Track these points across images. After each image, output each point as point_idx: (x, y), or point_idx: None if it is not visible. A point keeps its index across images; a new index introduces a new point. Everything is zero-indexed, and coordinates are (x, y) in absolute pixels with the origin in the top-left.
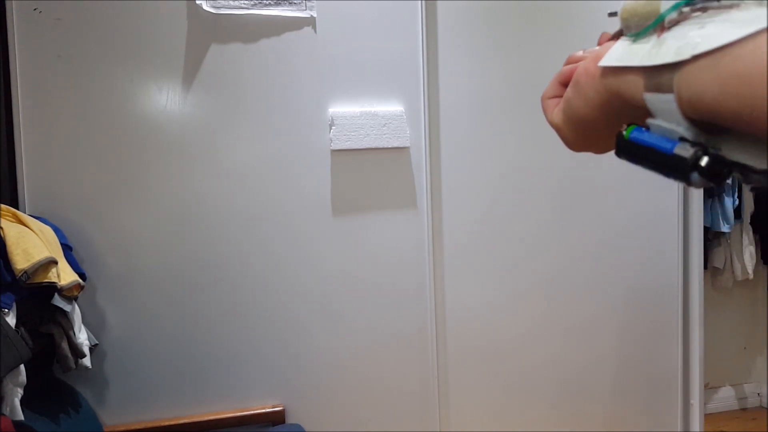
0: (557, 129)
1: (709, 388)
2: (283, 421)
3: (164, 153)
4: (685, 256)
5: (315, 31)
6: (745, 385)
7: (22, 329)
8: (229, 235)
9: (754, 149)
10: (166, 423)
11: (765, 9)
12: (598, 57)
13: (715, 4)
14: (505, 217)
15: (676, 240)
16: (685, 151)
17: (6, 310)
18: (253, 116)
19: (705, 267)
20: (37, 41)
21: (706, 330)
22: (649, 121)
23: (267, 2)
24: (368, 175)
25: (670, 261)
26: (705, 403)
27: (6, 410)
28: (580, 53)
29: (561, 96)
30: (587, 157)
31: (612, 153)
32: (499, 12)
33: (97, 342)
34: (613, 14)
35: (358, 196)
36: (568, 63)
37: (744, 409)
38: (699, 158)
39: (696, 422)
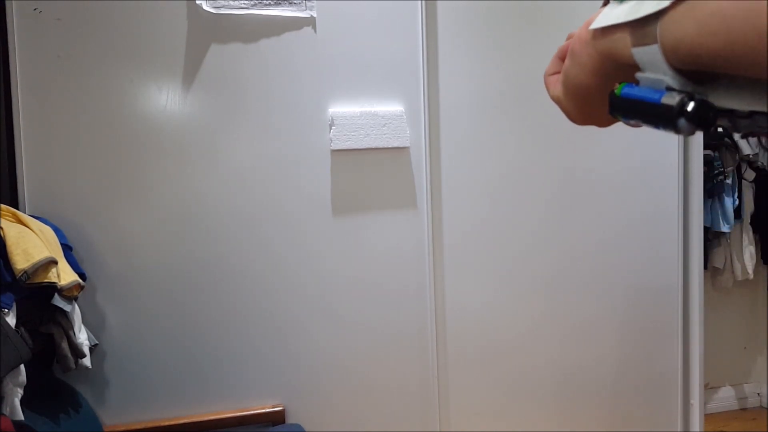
0: (558, 102)
1: (709, 388)
2: (283, 421)
3: (164, 153)
4: (685, 256)
5: (315, 31)
6: (745, 385)
7: (22, 329)
8: (229, 235)
9: (739, 93)
10: (166, 423)
11: None
12: (589, 24)
13: None
14: (505, 217)
15: (676, 240)
16: (672, 99)
17: (6, 310)
18: (253, 116)
19: (705, 267)
20: (37, 41)
21: (706, 330)
22: (638, 74)
23: (267, 2)
24: (368, 175)
25: (670, 261)
26: (705, 403)
27: (6, 410)
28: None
29: (559, 71)
30: (587, 156)
31: (612, 151)
32: (499, 12)
33: (97, 342)
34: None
35: (358, 196)
36: (568, 39)
37: (744, 409)
38: (685, 104)
39: (696, 422)
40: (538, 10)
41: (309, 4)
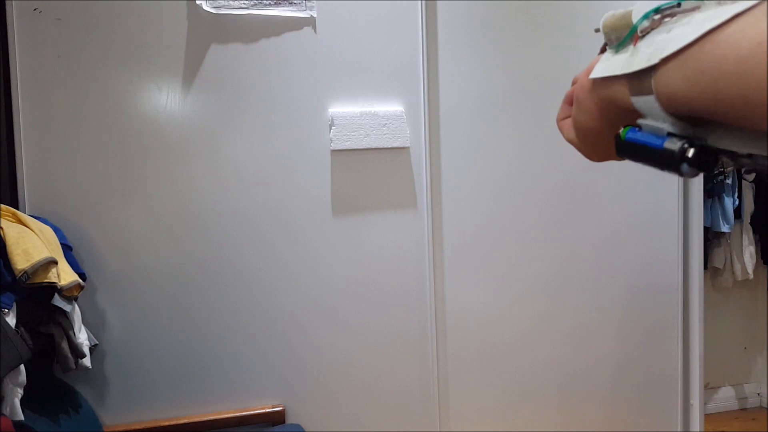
0: (574, 144)
1: (709, 388)
2: (283, 421)
3: (164, 153)
4: (685, 256)
5: (315, 31)
6: (745, 385)
7: (22, 329)
8: (229, 235)
9: (737, 136)
10: (166, 423)
11: (722, 7)
12: (589, 71)
13: (680, 9)
14: (504, 217)
15: (676, 240)
16: (673, 144)
17: (6, 310)
18: (253, 116)
19: (705, 267)
20: (37, 41)
21: (706, 330)
22: (640, 121)
23: (267, 2)
24: (368, 175)
25: (670, 261)
26: (705, 403)
27: (6, 410)
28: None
29: (569, 116)
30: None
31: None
32: (499, 12)
33: (97, 342)
34: (598, 30)
35: (358, 196)
36: (573, 84)
37: (744, 409)
38: (686, 150)
39: (696, 422)
40: (537, 11)
41: (309, 4)
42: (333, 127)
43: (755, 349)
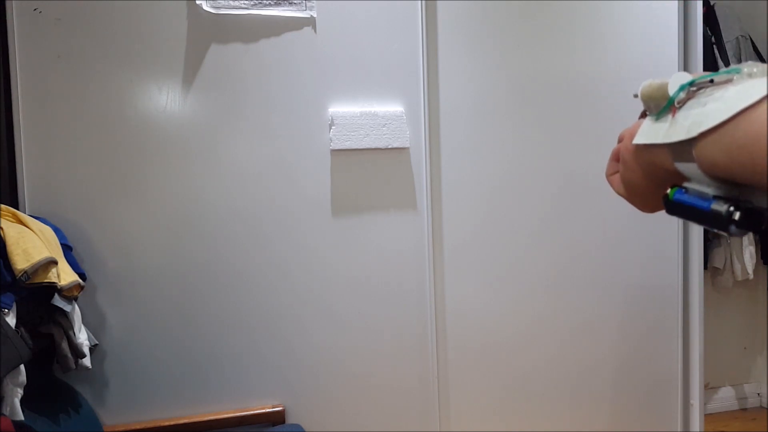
0: (625, 198)
1: (709, 388)
2: (283, 421)
3: (164, 153)
4: (685, 256)
5: (315, 31)
6: (745, 385)
7: (22, 329)
8: (229, 235)
9: None
10: (166, 423)
11: (753, 81)
12: (633, 135)
13: (713, 84)
14: (505, 217)
15: (676, 240)
16: (720, 207)
17: (6, 310)
18: (253, 116)
19: (705, 267)
20: (37, 41)
21: (706, 330)
22: (686, 184)
23: (267, 2)
24: (368, 176)
25: (670, 261)
26: (705, 403)
27: (6, 410)
28: (624, 132)
29: (617, 171)
30: (587, 156)
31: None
32: (499, 12)
33: (97, 342)
34: (636, 96)
35: (358, 197)
36: (619, 140)
37: (744, 409)
38: (732, 213)
39: (696, 422)
40: (538, 10)
41: (309, 4)
42: (333, 127)
43: (755, 349)
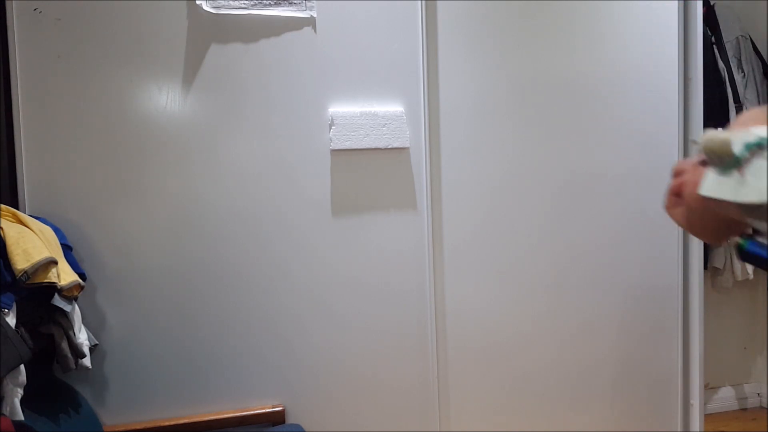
0: (688, 231)
1: (709, 388)
2: (283, 421)
3: (164, 153)
4: (685, 256)
5: (315, 31)
6: (745, 385)
7: (22, 329)
8: (228, 235)
9: None
10: (166, 423)
11: None
12: (696, 183)
13: None
14: (505, 217)
15: (676, 240)
16: None
17: (6, 310)
18: (253, 116)
19: (705, 267)
20: (37, 41)
21: (706, 330)
22: (759, 239)
23: (267, 2)
24: (368, 176)
25: (670, 261)
26: (705, 403)
27: (6, 410)
28: (682, 166)
29: (679, 205)
30: (587, 157)
31: (612, 152)
32: (499, 12)
33: (97, 342)
34: (695, 143)
35: (358, 197)
36: (675, 175)
37: (744, 410)
38: None
39: (696, 422)
40: (538, 10)
41: (309, 4)
42: (333, 127)
43: (755, 349)
